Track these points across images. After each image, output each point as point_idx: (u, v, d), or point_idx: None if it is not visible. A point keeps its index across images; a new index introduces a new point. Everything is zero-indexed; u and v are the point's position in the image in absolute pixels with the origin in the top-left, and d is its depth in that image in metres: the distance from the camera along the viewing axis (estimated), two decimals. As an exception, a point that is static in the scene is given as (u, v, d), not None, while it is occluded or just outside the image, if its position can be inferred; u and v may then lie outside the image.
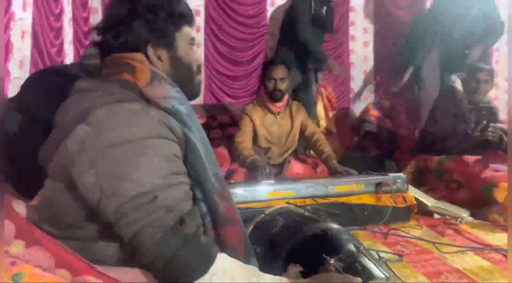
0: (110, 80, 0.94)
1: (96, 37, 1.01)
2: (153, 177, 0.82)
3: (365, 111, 3.73)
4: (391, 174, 2.27)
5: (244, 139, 2.60)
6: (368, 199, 2.17)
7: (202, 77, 1.12)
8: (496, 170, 2.37)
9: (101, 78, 0.97)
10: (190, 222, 0.85)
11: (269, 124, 2.70)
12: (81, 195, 0.83)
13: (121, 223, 0.81)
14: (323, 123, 3.65)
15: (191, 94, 1.06)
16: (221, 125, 3.31)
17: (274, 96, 2.65)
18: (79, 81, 0.98)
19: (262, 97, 2.72)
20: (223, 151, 2.70)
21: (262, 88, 2.75)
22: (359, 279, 0.91)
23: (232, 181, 2.30)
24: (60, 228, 0.88)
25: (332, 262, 1.04)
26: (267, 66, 2.70)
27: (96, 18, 3.38)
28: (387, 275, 1.02)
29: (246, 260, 1.02)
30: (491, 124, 2.55)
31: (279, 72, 2.63)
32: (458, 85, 2.83)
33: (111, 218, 0.82)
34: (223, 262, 0.86)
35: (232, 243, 0.99)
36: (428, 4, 3.91)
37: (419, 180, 2.77)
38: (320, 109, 3.66)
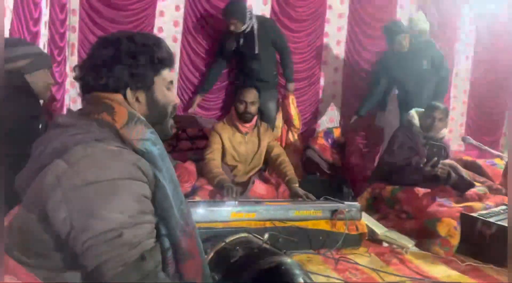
0: (90, 118, 1.00)
1: (78, 73, 1.07)
2: (121, 216, 0.89)
3: (314, 138, 3.83)
4: (347, 203, 2.43)
5: (214, 157, 2.69)
6: (324, 225, 2.31)
7: (172, 121, 1.19)
8: (442, 205, 2.57)
9: (81, 116, 1.03)
10: (151, 259, 0.92)
11: (237, 143, 2.81)
12: (52, 227, 0.89)
13: (87, 255, 0.88)
14: (278, 132, 3.70)
15: (163, 133, 1.14)
16: (191, 137, 3.37)
17: (244, 117, 2.77)
18: (60, 116, 1.04)
19: (232, 117, 2.82)
20: (190, 166, 2.77)
21: (232, 108, 2.84)
22: None
23: (196, 198, 2.38)
24: (28, 256, 0.94)
25: (282, 296, 1.15)
26: (239, 88, 2.81)
27: (74, 19, 3.37)
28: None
29: None
30: (441, 161, 2.76)
31: (251, 95, 2.75)
32: (416, 120, 3.03)
33: (78, 250, 0.88)
34: None
35: (191, 275, 1.08)
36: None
37: (373, 207, 2.95)
38: (278, 119, 3.75)
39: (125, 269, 0.88)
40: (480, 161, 3.86)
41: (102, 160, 0.91)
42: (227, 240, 1.44)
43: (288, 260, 1.32)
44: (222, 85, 3.87)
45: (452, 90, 4.64)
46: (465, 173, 2.89)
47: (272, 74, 3.58)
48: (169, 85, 1.13)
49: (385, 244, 2.45)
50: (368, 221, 2.54)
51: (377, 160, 3.66)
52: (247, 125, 2.80)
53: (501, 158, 4.04)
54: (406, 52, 3.57)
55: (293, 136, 3.81)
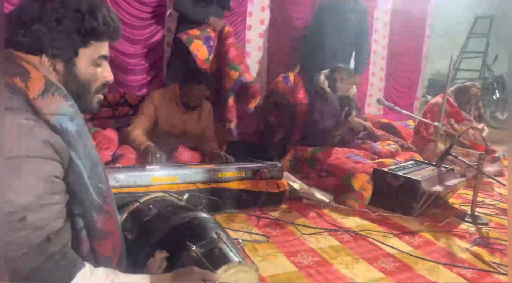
0: (1, 80, 0.88)
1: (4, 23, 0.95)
2: (27, 197, 0.83)
3: (276, 82, 3.81)
4: (269, 163, 2.50)
5: (141, 124, 2.60)
6: (247, 185, 2.37)
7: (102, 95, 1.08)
8: (357, 162, 2.74)
9: None
10: (57, 241, 0.87)
11: (175, 120, 2.70)
12: None
13: None
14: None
15: (85, 109, 1.04)
16: (112, 103, 3.22)
17: (188, 107, 2.71)
18: None
19: (176, 94, 2.69)
20: (111, 133, 2.66)
21: (177, 85, 2.71)
22: (215, 277, 1.06)
23: (117, 165, 2.31)
24: None
25: (194, 248, 1.18)
26: (189, 82, 2.65)
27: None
28: (240, 259, 1.18)
29: (118, 266, 1.10)
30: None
31: (202, 91, 2.67)
32: (325, 85, 3.16)
33: None
34: (84, 277, 0.91)
35: (107, 253, 1.05)
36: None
37: (296, 168, 3.07)
38: None
39: (28, 251, 0.83)
40: (395, 123, 4.18)
41: (9, 135, 0.82)
42: (142, 200, 1.43)
43: (202, 215, 1.34)
44: (146, 49, 3.72)
45: (372, 56, 4.89)
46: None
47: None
48: (99, 60, 1.02)
49: (305, 201, 2.58)
50: (289, 180, 2.64)
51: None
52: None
53: (413, 119, 4.39)
54: (340, 5, 3.67)
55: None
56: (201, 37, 3.21)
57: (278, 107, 3.64)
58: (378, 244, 2.03)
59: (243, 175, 2.38)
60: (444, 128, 3.37)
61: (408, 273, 1.76)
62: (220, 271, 1.13)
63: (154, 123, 2.69)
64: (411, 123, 4.49)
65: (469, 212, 2.46)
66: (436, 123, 3.14)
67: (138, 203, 1.42)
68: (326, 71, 3.19)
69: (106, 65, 1.06)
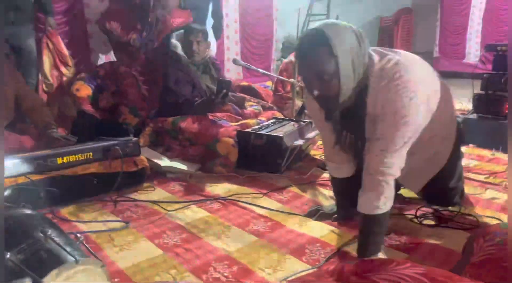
0: None
1: None
2: None
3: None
4: (121, 139, 2.20)
5: None
6: (97, 168, 2.05)
7: None
8: (220, 126, 2.61)
9: None
10: None
11: None
12: None
13: None
14: (51, 78, 3.17)
15: None
16: None
17: None
18: None
19: None
20: None
21: None
22: None
23: None
24: None
25: (8, 256, 0.88)
26: None
27: None
28: (77, 257, 0.93)
29: None
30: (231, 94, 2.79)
31: None
32: (179, 49, 2.92)
33: None
34: None
35: None
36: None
37: (157, 141, 2.81)
38: (47, 64, 3.16)
39: None
40: (255, 85, 4.18)
41: None
42: None
43: (20, 212, 1.04)
44: None
45: (224, 19, 4.77)
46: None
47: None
48: None
49: (170, 175, 2.37)
50: (149, 155, 2.39)
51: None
52: None
53: (270, 78, 4.47)
54: None
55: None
56: (85, 78, 3.15)
57: None
58: (249, 206, 1.95)
59: (91, 156, 2.04)
60: (299, 84, 3.47)
61: (280, 230, 1.71)
62: (48, 277, 0.87)
63: None
64: (270, 84, 4.58)
65: (329, 161, 2.56)
66: (291, 80, 3.20)
67: None
68: (179, 33, 2.92)
69: None
